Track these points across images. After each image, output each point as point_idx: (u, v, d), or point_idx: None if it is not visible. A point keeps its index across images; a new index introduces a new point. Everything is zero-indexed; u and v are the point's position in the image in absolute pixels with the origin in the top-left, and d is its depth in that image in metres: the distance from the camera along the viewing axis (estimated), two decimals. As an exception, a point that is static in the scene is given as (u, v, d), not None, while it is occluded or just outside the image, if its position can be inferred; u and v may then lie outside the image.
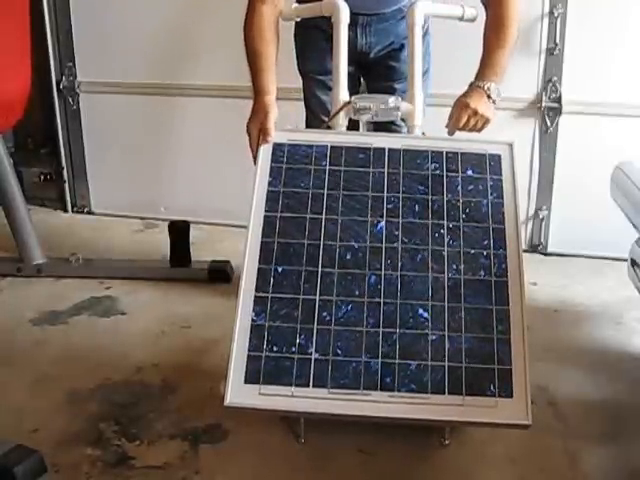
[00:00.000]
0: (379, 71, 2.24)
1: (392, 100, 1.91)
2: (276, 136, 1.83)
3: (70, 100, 3.34)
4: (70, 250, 2.84)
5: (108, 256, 2.91)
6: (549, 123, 2.89)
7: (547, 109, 2.88)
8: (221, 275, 2.72)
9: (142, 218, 3.35)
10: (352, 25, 2.02)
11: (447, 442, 1.82)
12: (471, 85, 1.95)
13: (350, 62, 2.01)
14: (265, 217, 1.73)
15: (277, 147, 1.82)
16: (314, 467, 1.76)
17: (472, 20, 2.11)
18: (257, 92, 1.90)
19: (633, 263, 2.03)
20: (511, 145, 1.83)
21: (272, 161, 1.80)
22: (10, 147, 3.22)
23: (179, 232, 2.75)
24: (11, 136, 3.35)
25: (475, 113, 1.89)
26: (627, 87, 2.79)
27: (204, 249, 2.91)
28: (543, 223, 3.02)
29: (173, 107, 3.22)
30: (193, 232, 2.80)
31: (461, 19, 2.10)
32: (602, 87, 2.80)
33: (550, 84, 2.85)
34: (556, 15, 2.76)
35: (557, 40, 2.79)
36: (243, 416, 1.91)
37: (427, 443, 1.83)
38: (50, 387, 2.07)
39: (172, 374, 2.13)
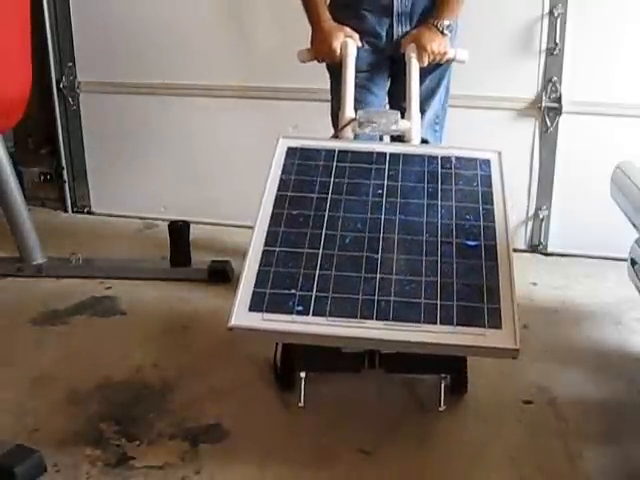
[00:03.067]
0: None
1: (392, 116, 2.08)
2: (290, 142, 2.06)
3: (70, 100, 3.34)
4: (70, 250, 2.84)
5: (108, 256, 2.91)
6: (549, 123, 2.89)
7: (547, 109, 2.88)
8: (221, 275, 2.72)
9: (142, 218, 3.35)
10: None
11: (442, 408, 1.86)
12: (427, 24, 2.18)
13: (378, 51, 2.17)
14: (277, 195, 1.92)
15: (290, 150, 2.04)
16: (314, 466, 1.76)
17: (462, 62, 2.19)
18: (315, 22, 2.23)
19: (633, 263, 2.02)
20: (499, 153, 2.05)
21: (285, 159, 2.01)
22: (10, 147, 3.21)
23: (179, 232, 2.75)
24: (11, 136, 3.34)
25: (433, 52, 2.18)
26: (627, 87, 2.79)
27: (204, 249, 2.92)
28: (543, 223, 3.02)
29: (173, 107, 3.22)
30: (193, 232, 2.80)
31: (452, 61, 2.24)
32: (602, 87, 2.80)
33: (550, 84, 2.85)
34: (556, 15, 2.76)
35: (557, 40, 2.79)
36: (243, 416, 1.92)
37: (427, 443, 1.84)
38: (50, 387, 2.07)
39: (172, 374, 2.13)
